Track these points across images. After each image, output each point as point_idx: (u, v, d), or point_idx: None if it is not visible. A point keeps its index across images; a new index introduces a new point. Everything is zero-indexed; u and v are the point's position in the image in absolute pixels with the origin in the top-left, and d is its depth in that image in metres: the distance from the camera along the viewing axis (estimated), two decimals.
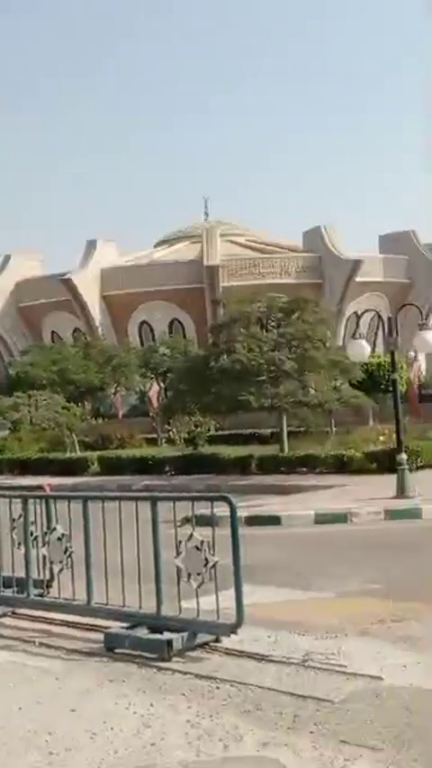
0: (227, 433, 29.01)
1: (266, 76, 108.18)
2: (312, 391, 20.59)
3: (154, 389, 34.37)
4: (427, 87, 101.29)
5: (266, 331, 21.52)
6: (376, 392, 26.24)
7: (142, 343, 46.29)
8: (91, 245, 51.19)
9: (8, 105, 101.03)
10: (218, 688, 5.22)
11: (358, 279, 47.46)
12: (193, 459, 22.59)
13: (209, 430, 27.28)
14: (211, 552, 6.00)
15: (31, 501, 7.50)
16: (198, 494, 7.85)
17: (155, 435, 31.34)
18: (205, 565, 6.00)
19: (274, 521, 12.90)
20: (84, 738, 4.48)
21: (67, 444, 28.23)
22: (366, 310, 36.64)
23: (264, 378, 20.25)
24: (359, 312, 48.83)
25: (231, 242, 53.39)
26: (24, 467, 25.76)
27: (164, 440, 30.12)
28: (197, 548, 6.06)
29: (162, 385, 35.34)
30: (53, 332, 52.32)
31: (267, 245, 55.32)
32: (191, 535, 6.11)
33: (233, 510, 5.90)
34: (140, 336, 49.28)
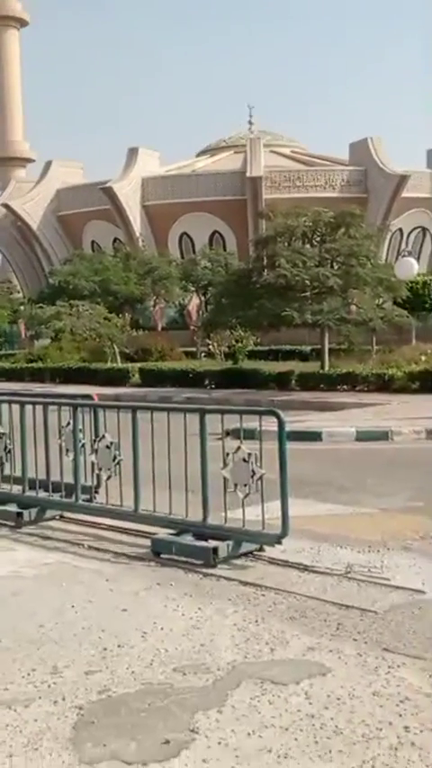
0: (266, 348, 29.09)
1: None
2: (356, 308, 20.42)
3: (194, 303, 34.29)
4: None
5: (311, 246, 21.23)
6: (420, 311, 25.94)
7: (182, 255, 45.99)
8: (132, 153, 50.50)
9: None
10: (263, 595, 5.38)
11: (405, 194, 46.34)
12: (233, 373, 22.72)
13: (249, 345, 27.32)
14: (258, 464, 6.10)
15: (79, 409, 7.63)
16: (247, 407, 7.90)
17: (194, 349, 31.49)
18: (252, 476, 6.11)
19: (314, 436, 12.99)
20: (135, 637, 4.67)
21: (108, 355, 28.50)
22: (414, 228, 35.84)
23: (307, 294, 20.11)
24: (404, 228, 48.08)
25: (275, 153, 52.32)
26: (66, 376, 26.16)
27: (203, 353, 30.26)
28: (244, 460, 6.16)
29: (202, 298, 35.25)
30: (93, 241, 52.17)
31: (313, 156, 54.11)
32: (238, 447, 6.20)
33: (281, 423, 5.95)
34: (181, 248, 48.94)
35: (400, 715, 3.65)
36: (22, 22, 79.40)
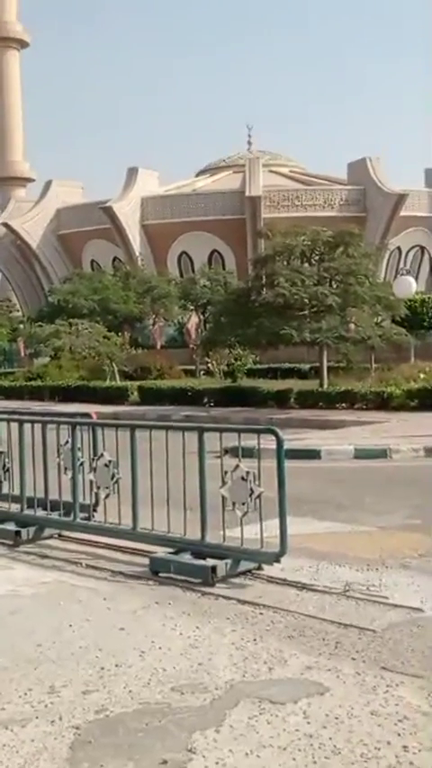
0: (265, 366, 29.11)
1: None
2: (354, 326, 20.46)
3: (193, 321, 34.37)
4: None
5: (310, 265, 21.30)
6: (418, 329, 25.98)
7: (181, 275, 46.13)
8: (132, 172, 50.79)
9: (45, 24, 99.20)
10: (261, 614, 5.36)
11: (403, 213, 46.57)
12: (232, 391, 22.73)
13: (247, 363, 27.36)
14: (257, 483, 6.09)
15: (78, 428, 7.64)
16: (245, 426, 7.91)
17: (193, 367, 31.52)
18: (250, 495, 6.10)
19: (313, 454, 12.98)
20: (133, 656, 4.65)
21: (107, 373, 28.54)
22: (412, 246, 35.96)
23: (306, 312, 20.15)
24: (402, 247, 48.28)
25: (274, 172, 52.62)
26: (65, 394, 26.18)
27: (202, 372, 30.29)
28: (243, 478, 6.15)
29: (201, 317, 35.34)
30: (93, 260, 52.36)
31: (311, 176, 54.43)
32: (237, 466, 6.20)
33: (280, 442, 5.95)
34: (180, 267, 49.10)
35: (399, 734, 3.63)
36: (22, 44, 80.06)
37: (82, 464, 7.55)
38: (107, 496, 7.21)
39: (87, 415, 8.70)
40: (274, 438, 6.01)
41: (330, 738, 3.60)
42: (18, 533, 7.50)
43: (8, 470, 8.08)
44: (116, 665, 4.52)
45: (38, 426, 7.96)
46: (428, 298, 31.65)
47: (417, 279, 34.75)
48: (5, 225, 54.41)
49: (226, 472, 6.24)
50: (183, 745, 3.57)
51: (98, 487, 7.34)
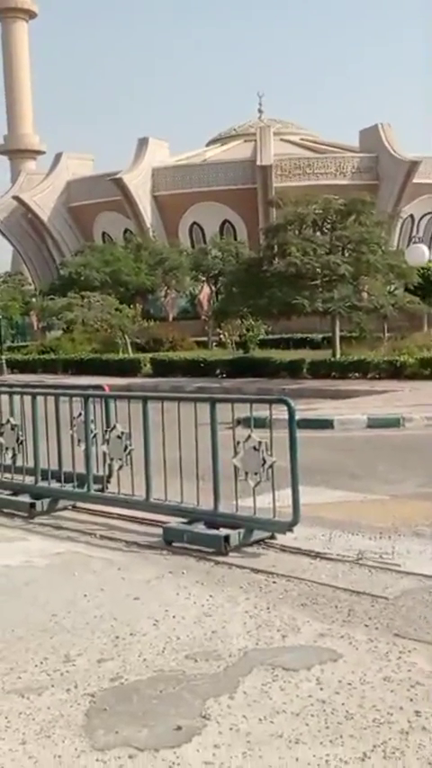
0: (277, 337, 29.06)
1: None
2: (367, 296, 20.36)
3: (205, 292, 34.28)
4: None
5: (322, 234, 21.16)
6: (431, 297, 25.80)
7: (193, 245, 45.86)
8: (142, 143, 50.39)
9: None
10: (274, 582, 5.39)
11: (416, 180, 46.04)
12: (245, 362, 22.72)
13: (260, 334, 27.32)
14: (269, 453, 6.10)
15: (91, 400, 7.66)
16: (257, 396, 7.91)
17: (205, 338, 31.50)
18: (263, 465, 6.11)
19: (326, 424, 12.98)
20: (147, 625, 4.69)
21: (120, 346, 28.56)
22: (425, 214, 35.62)
23: (318, 282, 20.05)
24: (415, 215, 47.81)
25: (285, 141, 52.10)
26: (78, 367, 26.25)
27: (214, 343, 30.27)
28: (255, 448, 6.16)
29: (213, 288, 35.22)
30: (104, 232, 52.14)
31: (323, 144, 53.87)
32: (249, 436, 6.21)
33: (292, 412, 5.95)
34: (191, 238, 48.83)
35: (411, 700, 3.66)
36: (30, 14, 79.28)
37: (95, 436, 7.58)
38: (120, 468, 7.24)
39: (100, 387, 8.72)
40: (286, 408, 6.01)
41: (343, 704, 3.63)
42: (33, 505, 7.56)
43: (22, 443, 8.12)
44: (130, 634, 4.56)
45: (51, 399, 8.00)
46: None
47: (430, 247, 34.43)
48: (16, 198, 54.22)
49: (238, 442, 6.26)
50: (197, 712, 3.61)
51: (111, 459, 7.37)
